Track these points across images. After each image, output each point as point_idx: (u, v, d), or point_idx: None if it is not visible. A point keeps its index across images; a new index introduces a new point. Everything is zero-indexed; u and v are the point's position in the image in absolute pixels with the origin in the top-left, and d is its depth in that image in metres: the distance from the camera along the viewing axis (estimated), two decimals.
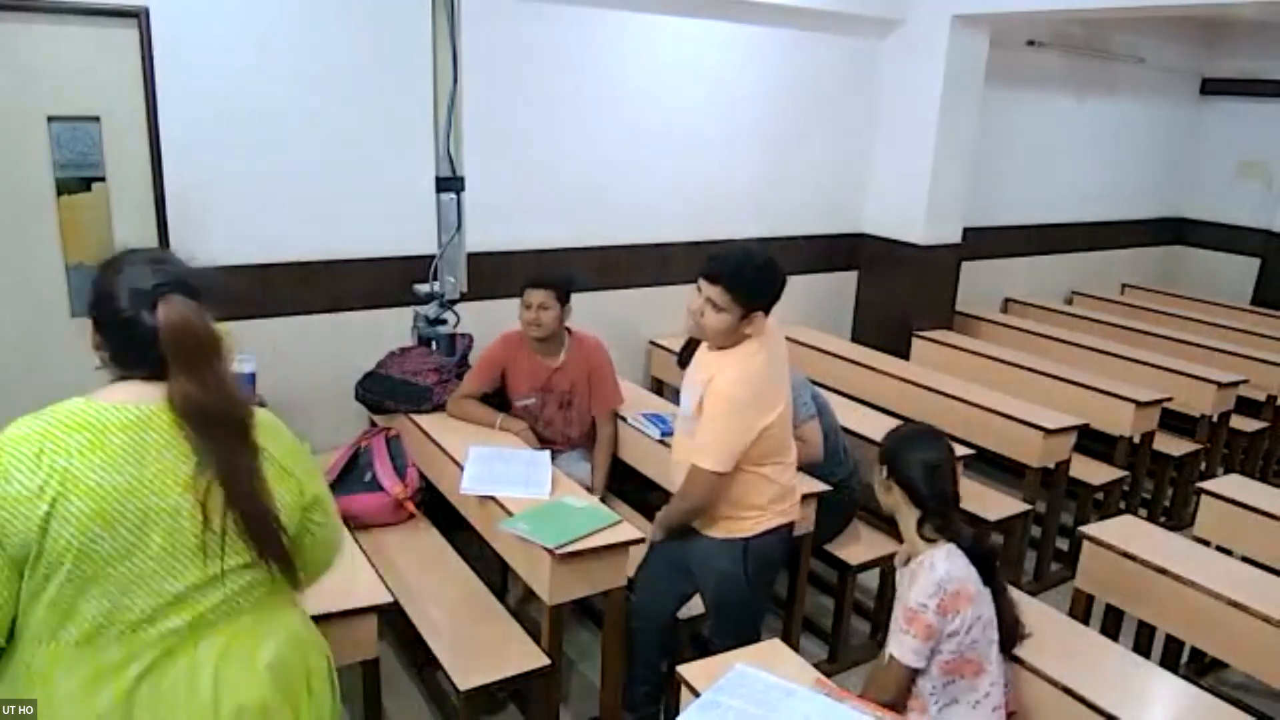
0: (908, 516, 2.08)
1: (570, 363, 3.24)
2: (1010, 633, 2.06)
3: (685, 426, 2.45)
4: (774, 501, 2.45)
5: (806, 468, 3.03)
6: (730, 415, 2.30)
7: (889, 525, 3.42)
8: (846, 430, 3.34)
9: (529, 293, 3.13)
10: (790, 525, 2.53)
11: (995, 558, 2.09)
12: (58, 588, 1.28)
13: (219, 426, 1.36)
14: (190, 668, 1.36)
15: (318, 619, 2.05)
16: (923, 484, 2.05)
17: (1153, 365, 4.52)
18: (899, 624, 2.00)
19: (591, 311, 4.16)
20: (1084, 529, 2.81)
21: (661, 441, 3.11)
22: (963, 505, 3.47)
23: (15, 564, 1.26)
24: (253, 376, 3.06)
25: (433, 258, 3.49)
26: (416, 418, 3.24)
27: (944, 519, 2.05)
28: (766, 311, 2.31)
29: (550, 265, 3.96)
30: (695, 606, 2.72)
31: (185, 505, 1.33)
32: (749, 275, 2.26)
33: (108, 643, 1.31)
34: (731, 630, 2.47)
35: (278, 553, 1.40)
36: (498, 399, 3.30)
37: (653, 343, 4.45)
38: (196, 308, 1.40)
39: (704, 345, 2.47)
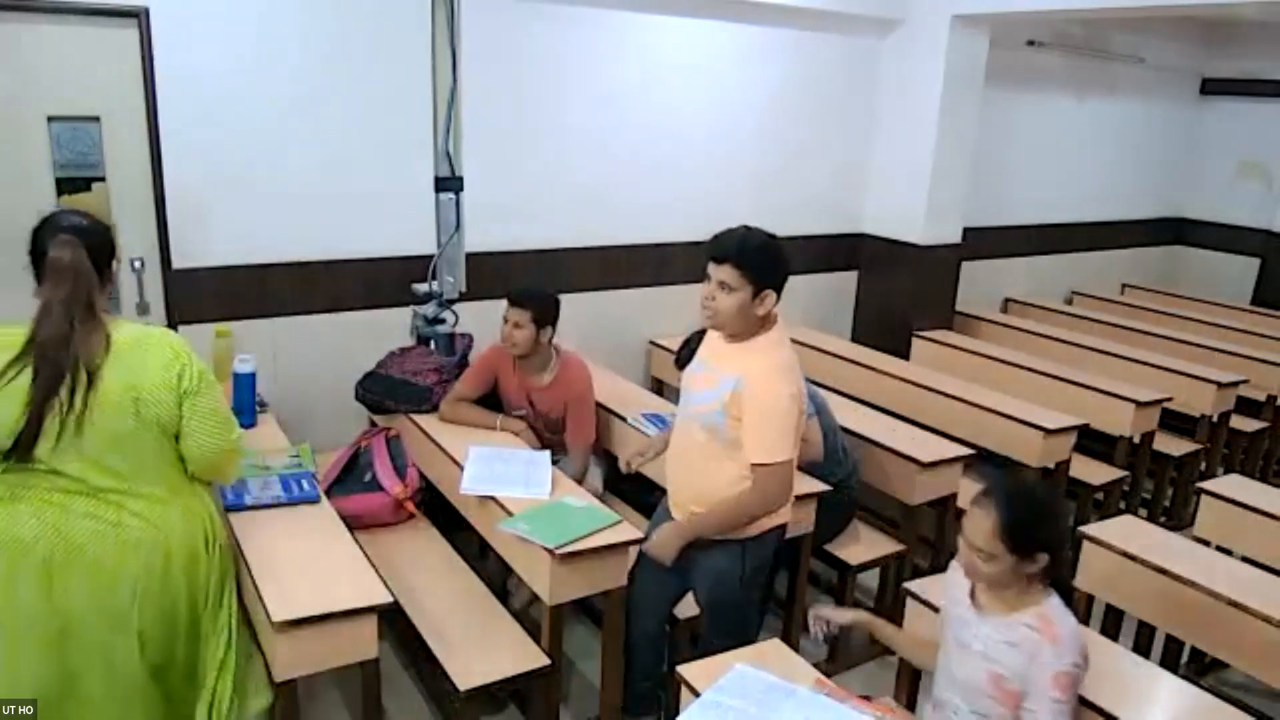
0: (1017, 568, 1.83)
1: (555, 385, 3.18)
2: None
3: (703, 421, 2.36)
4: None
5: (806, 467, 3.03)
6: (784, 402, 2.25)
7: (889, 525, 3.43)
8: (846, 430, 3.34)
9: (507, 308, 3.09)
10: (785, 525, 2.52)
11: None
12: None
13: (51, 334, 1.83)
14: (115, 515, 1.90)
15: (317, 619, 2.08)
16: (1061, 548, 1.86)
17: (1153, 365, 4.52)
18: (1051, 694, 1.76)
19: (591, 311, 4.17)
20: (1084, 529, 2.81)
21: None
22: (962, 505, 3.51)
23: None
24: (253, 376, 3.06)
25: (432, 257, 3.50)
26: (416, 418, 3.24)
27: (1062, 571, 1.91)
28: (777, 291, 2.28)
29: (549, 268, 3.98)
30: (696, 605, 2.72)
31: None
32: (753, 251, 2.25)
33: (45, 489, 1.88)
34: (727, 631, 2.46)
35: (29, 438, 1.83)
36: (493, 402, 3.29)
37: (653, 343, 4.45)
38: (77, 250, 1.87)
39: (712, 337, 2.44)
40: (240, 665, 2.14)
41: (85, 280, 1.88)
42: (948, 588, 2.05)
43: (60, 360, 1.83)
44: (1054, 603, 1.85)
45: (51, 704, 1.92)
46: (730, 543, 2.41)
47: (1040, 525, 1.82)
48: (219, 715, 2.09)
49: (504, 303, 3.15)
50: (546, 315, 3.08)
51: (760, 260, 2.24)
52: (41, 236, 1.90)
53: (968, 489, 3.52)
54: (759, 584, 2.54)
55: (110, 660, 1.95)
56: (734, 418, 2.28)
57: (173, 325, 3.28)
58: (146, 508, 1.94)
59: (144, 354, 1.91)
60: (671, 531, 2.43)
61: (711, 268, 2.27)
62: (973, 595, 1.95)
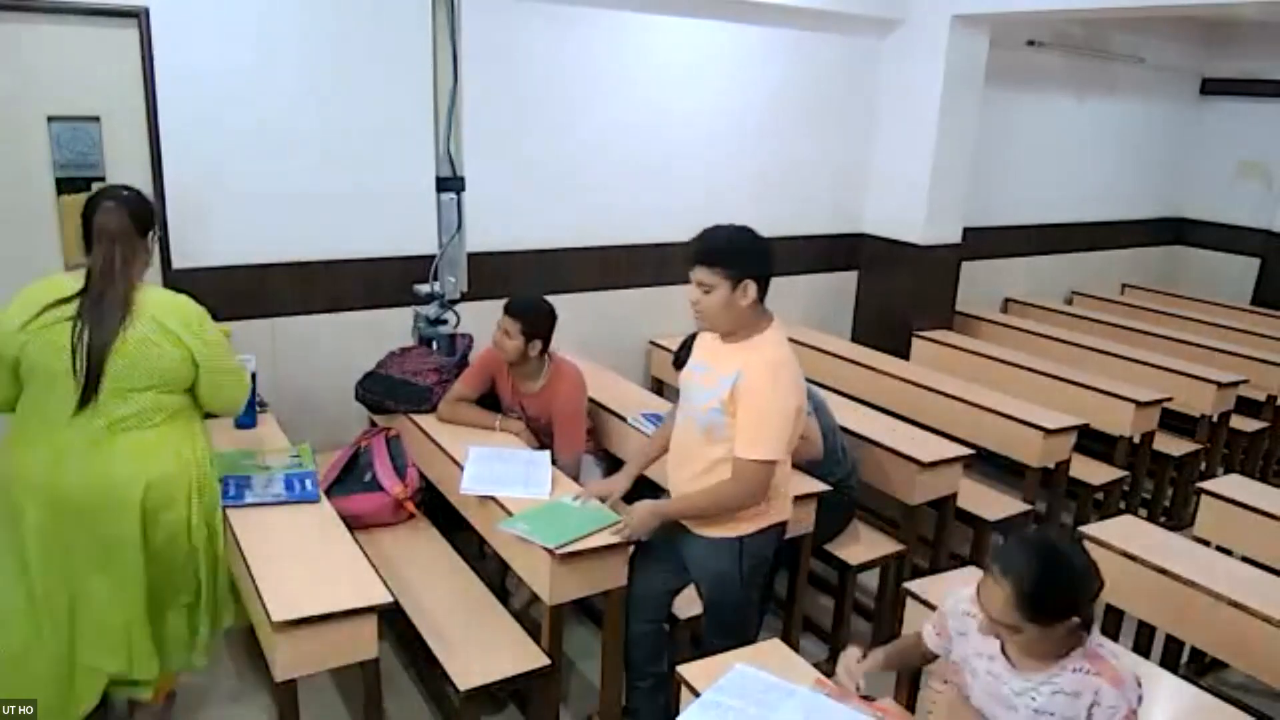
0: (1046, 635, 1.69)
1: (543, 394, 3.17)
2: None
3: (702, 421, 2.34)
4: (772, 499, 2.43)
5: (806, 466, 3.03)
6: (780, 401, 2.24)
7: (889, 525, 3.43)
8: (846, 430, 3.33)
9: (502, 314, 3.09)
10: (784, 524, 2.51)
11: None
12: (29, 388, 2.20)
13: (101, 289, 2.15)
14: (109, 453, 2.19)
15: (317, 619, 2.09)
16: (1091, 604, 1.71)
17: (1153, 365, 4.53)
18: None
19: (591, 311, 4.17)
20: (1084, 529, 2.81)
21: None
22: (962, 505, 3.53)
23: (10, 368, 2.20)
24: (253, 377, 3.06)
25: (433, 258, 3.50)
26: (416, 418, 3.24)
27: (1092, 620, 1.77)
28: (758, 281, 2.25)
29: (550, 268, 3.98)
30: (696, 605, 2.72)
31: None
32: (723, 243, 2.26)
33: (61, 427, 2.17)
34: (726, 630, 2.46)
35: (93, 384, 2.14)
36: (493, 402, 3.29)
37: (653, 343, 4.45)
38: (121, 215, 2.19)
39: (707, 339, 2.44)
40: (215, 609, 2.46)
41: (125, 243, 2.19)
42: (962, 634, 1.89)
43: (99, 316, 2.14)
44: (1096, 638, 1.73)
45: (48, 611, 2.26)
46: (727, 541, 2.41)
47: (1061, 593, 1.64)
48: (200, 624, 2.43)
49: (504, 303, 3.15)
50: (536, 330, 3.06)
51: (730, 253, 2.25)
52: (91, 205, 2.22)
53: (968, 489, 3.53)
54: (758, 583, 2.54)
55: (91, 582, 2.26)
56: (733, 414, 2.27)
57: None
58: (137, 449, 2.22)
59: (164, 317, 2.21)
60: (647, 511, 2.44)
61: (691, 273, 2.29)
62: (1003, 649, 1.80)
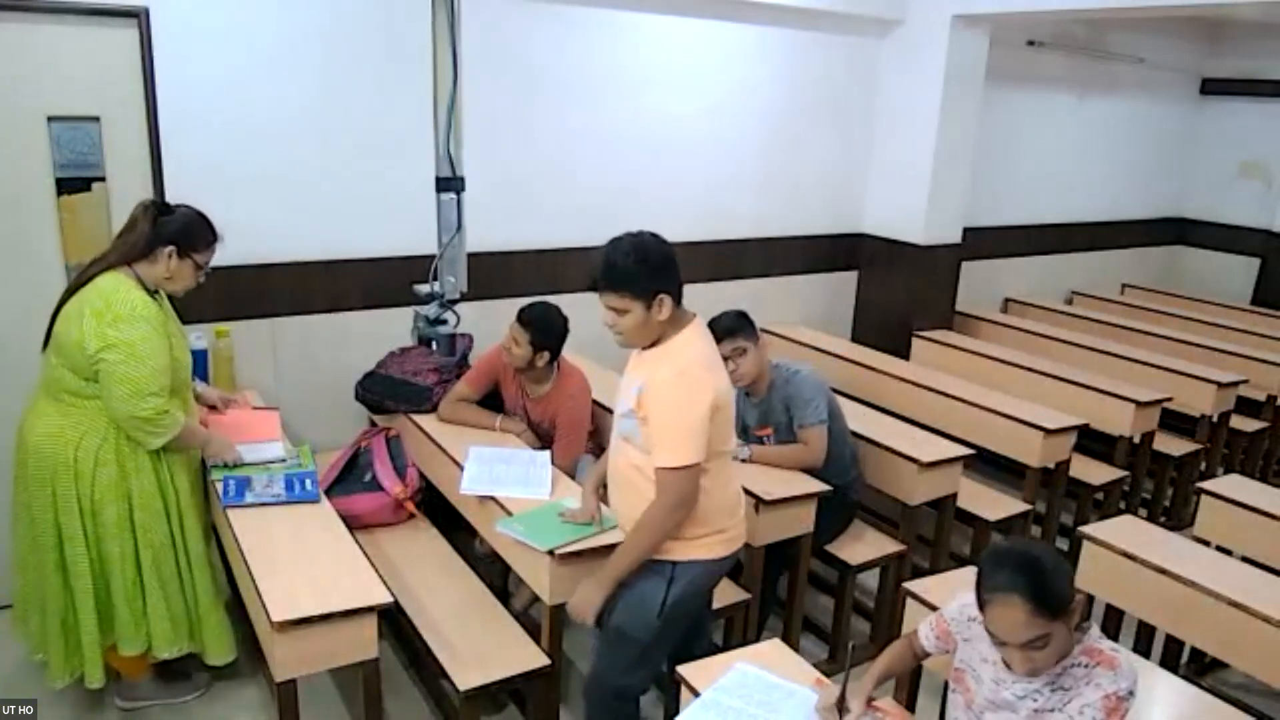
0: (1067, 630, 1.68)
1: (548, 400, 3.17)
2: None
3: (624, 428, 2.25)
4: (723, 524, 2.26)
5: (808, 470, 3.03)
6: (683, 404, 2.11)
7: (889, 525, 3.43)
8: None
9: (514, 319, 3.08)
10: (730, 558, 2.31)
11: None
12: None
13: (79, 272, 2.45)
14: (30, 410, 2.47)
15: (317, 619, 2.09)
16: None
17: (1153, 365, 4.53)
18: (1096, 715, 1.65)
19: (591, 312, 4.15)
20: (1084, 529, 2.81)
21: None
22: (962, 505, 3.52)
23: None
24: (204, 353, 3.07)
25: (433, 258, 3.49)
26: (416, 418, 3.24)
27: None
28: (671, 294, 2.16)
29: (550, 268, 3.98)
30: None
31: None
32: (620, 264, 2.18)
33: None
34: (621, 667, 2.30)
35: (45, 345, 2.43)
36: (494, 403, 3.29)
37: None
38: (138, 218, 2.45)
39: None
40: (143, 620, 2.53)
41: (131, 234, 2.42)
42: (966, 640, 1.87)
43: (65, 291, 2.42)
44: (1095, 633, 1.73)
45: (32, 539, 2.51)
46: (657, 563, 2.23)
47: (1058, 577, 1.64)
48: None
49: (505, 303, 3.15)
50: (545, 341, 3.06)
51: (629, 271, 2.21)
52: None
53: (968, 489, 3.53)
54: (676, 621, 2.28)
55: (32, 514, 2.48)
56: (643, 419, 2.18)
57: None
58: (37, 414, 2.44)
59: (88, 301, 2.34)
60: (591, 586, 2.24)
61: (599, 299, 2.30)
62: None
